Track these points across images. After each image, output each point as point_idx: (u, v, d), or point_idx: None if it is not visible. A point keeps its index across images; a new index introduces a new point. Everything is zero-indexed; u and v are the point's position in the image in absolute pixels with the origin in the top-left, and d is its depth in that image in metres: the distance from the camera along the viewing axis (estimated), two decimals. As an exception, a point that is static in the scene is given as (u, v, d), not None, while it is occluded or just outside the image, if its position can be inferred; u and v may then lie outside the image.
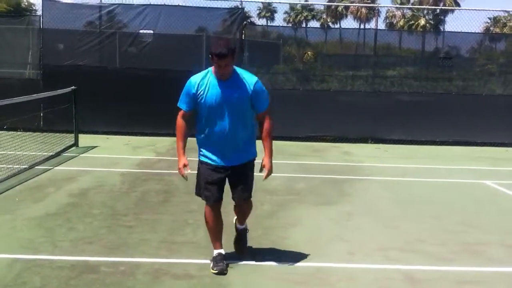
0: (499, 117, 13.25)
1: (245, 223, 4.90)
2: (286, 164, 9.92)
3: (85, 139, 11.16)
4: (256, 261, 4.67)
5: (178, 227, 5.69)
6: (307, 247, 5.25)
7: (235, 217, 4.86)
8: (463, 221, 6.46)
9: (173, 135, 13.14)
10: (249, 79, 4.44)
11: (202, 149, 4.75)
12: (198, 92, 4.40)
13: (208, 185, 4.66)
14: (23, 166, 8.33)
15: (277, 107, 13.07)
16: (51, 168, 8.61)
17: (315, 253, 5.09)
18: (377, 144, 12.97)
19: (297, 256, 4.91)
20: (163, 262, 4.70)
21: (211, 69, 4.43)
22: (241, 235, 4.89)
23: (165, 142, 12.06)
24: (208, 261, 4.63)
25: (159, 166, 9.35)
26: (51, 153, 9.56)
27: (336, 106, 13.19)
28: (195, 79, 4.45)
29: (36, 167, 8.54)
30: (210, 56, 4.30)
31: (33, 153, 9.14)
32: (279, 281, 4.33)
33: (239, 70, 4.49)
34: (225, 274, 4.37)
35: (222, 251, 4.60)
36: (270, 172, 4.64)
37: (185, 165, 4.65)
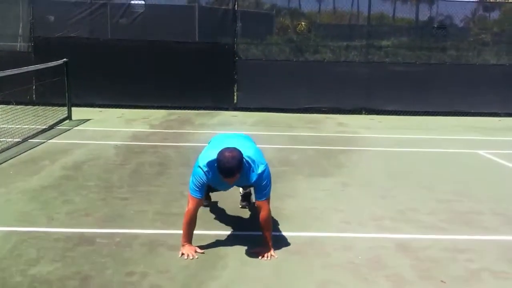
0: (493, 87, 13.29)
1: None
2: (281, 135, 9.94)
3: (78, 112, 11.09)
4: (252, 231, 4.70)
5: (174, 199, 5.71)
6: (303, 218, 5.30)
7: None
8: (455, 190, 6.51)
9: (166, 107, 13.22)
10: (255, 171, 4.25)
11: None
12: (206, 184, 4.30)
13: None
14: (16, 140, 8.29)
15: (271, 79, 13.14)
16: (45, 141, 8.58)
17: (310, 223, 5.15)
18: (371, 115, 12.97)
19: (293, 226, 4.95)
20: (159, 233, 4.74)
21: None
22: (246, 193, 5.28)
23: (158, 114, 12.04)
24: (204, 232, 4.67)
25: (153, 138, 9.33)
26: (44, 126, 9.52)
27: (330, 77, 13.16)
28: (202, 175, 4.22)
29: (29, 140, 8.51)
30: (218, 170, 4.10)
31: (26, 126, 9.09)
32: (276, 251, 4.36)
33: (249, 158, 4.23)
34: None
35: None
36: (266, 250, 4.32)
37: (196, 251, 4.32)
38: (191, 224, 4.33)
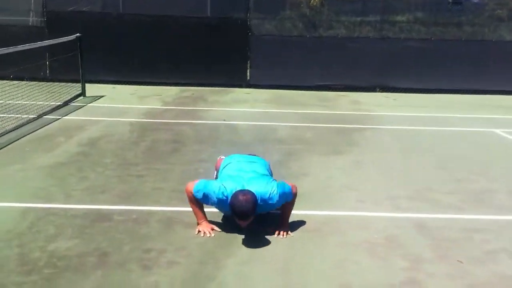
0: (509, 64, 13.08)
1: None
2: (294, 113, 9.89)
3: (91, 89, 11.11)
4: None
5: (189, 176, 5.68)
6: (318, 196, 5.30)
7: None
8: (472, 169, 6.47)
9: (179, 84, 13.19)
10: (273, 199, 4.19)
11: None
12: (215, 204, 4.29)
13: None
14: (32, 116, 8.33)
15: (284, 55, 13.04)
16: (60, 118, 8.61)
17: (325, 202, 5.15)
18: (385, 93, 12.87)
19: (308, 205, 4.94)
20: (175, 210, 4.76)
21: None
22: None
23: (171, 91, 12.03)
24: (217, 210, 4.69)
25: (167, 115, 9.33)
26: (58, 103, 9.55)
27: (343, 54, 13.06)
28: (217, 198, 4.17)
29: (44, 116, 8.55)
30: (231, 212, 4.05)
31: (41, 102, 9.13)
32: (292, 228, 4.37)
33: (259, 195, 4.12)
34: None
35: None
36: (282, 229, 4.35)
37: (212, 229, 4.33)
38: (197, 203, 4.32)
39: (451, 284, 3.59)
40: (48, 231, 4.22)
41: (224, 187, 4.18)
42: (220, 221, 4.48)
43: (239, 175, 4.33)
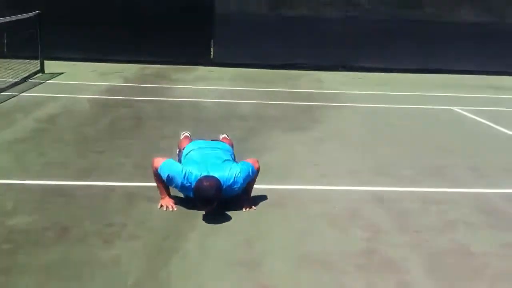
0: (469, 44, 13.35)
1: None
2: (258, 91, 9.89)
3: (51, 66, 10.85)
4: (229, 183, 4.71)
5: (151, 152, 5.59)
6: (280, 171, 5.33)
7: None
8: (431, 145, 6.61)
9: (141, 62, 12.96)
10: (237, 183, 4.22)
11: None
12: (177, 186, 4.24)
13: None
14: (-13, 92, 8.11)
15: (249, 34, 12.97)
16: (17, 95, 8.40)
17: (288, 176, 5.18)
18: (349, 72, 12.97)
19: (270, 179, 4.96)
20: (137, 185, 4.72)
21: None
22: None
23: (132, 69, 11.86)
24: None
25: (128, 92, 9.20)
26: (16, 79, 9.31)
27: (308, 33, 13.06)
28: (180, 180, 4.15)
29: (1, 93, 8.31)
30: (195, 197, 4.06)
31: (-3, 79, 8.89)
32: (254, 202, 4.39)
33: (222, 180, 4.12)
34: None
35: None
36: (245, 202, 4.36)
37: (175, 203, 4.29)
38: (161, 179, 4.28)
39: (411, 253, 3.67)
40: (7, 207, 4.13)
41: (190, 172, 4.17)
42: (183, 197, 4.46)
43: (203, 161, 4.34)
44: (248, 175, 4.31)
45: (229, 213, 4.20)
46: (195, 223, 4.00)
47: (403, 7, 14.14)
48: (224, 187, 4.11)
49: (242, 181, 4.25)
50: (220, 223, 4.04)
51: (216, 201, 4.04)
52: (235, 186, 4.23)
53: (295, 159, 5.80)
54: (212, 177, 4.07)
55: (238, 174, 4.23)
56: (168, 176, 4.19)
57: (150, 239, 3.71)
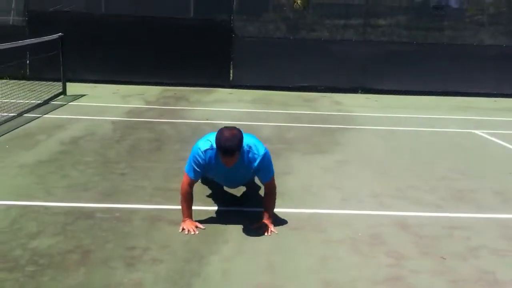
0: (489, 67, 13.31)
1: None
2: (277, 113, 9.91)
3: (73, 88, 11.02)
4: (252, 207, 4.71)
5: (172, 174, 5.69)
6: (300, 194, 5.31)
7: None
8: (453, 169, 6.54)
9: (162, 83, 13.20)
10: (255, 157, 4.23)
11: None
12: (204, 167, 4.25)
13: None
14: (12, 114, 8.22)
15: (268, 57, 13.07)
16: (40, 116, 8.52)
17: (308, 200, 5.16)
18: (367, 94, 12.97)
19: (291, 203, 4.96)
20: (158, 208, 4.73)
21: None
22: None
23: (154, 91, 11.98)
24: (204, 208, 4.68)
25: (149, 114, 9.28)
26: (39, 101, 9.45)
27: (326, 56, 13.12)
28: (202, 155, 4.19)
29: (24, 115, 8.45)
30: (217, 148, 4.06)
31: (21, 101, 9.02)
32: (275, 227, 4.37)
33: (248, 143, 4.21)
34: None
35: None
36: (266, 225, 4.31)
37: (196, 227, 4.28)
38: (187, 201, 4.31)
39: (435, 280, 3.62)
40: (30, 229, 4.16)
41: (198, 146, 4.24)
42: (205, 218, 4.46)
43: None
44: (268, 166, 4.32)
45: (250, 237, 4.19)
46: (217, 247, 3.99)
47: (421, 30, 14.17)
48: (246, 147, 4.13)
49: (260, 160, 4.21)
50: (242, 247, 4.03)
51: (237, 152, 4.00)
52: (253, 160, 4.20)
53: (316, 182, 5.77)
54: (234, 127, 4.11)
55: (261, 152, 4.24)
56: (190, 161, 4.24)
57: (172, 263, 3.71)
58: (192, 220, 4.33)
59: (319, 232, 4.38)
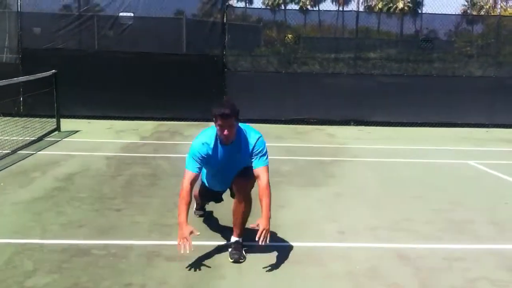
0: (479, 98, 13.48)
1: (241, 235, 4.52)
2: (270, 146, 9.81)
3: (66, 124, 11.03)
4: (248, 241, 4.67)
5: (168, 210, 5.67)
6: (297, 228, 5.30)
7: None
8: (449, 200, 6.55)
9: (156, 118, 13.22)
10: (251, 139, 4.39)
11: (204, 177, 4.81)
12: (204, 157, 4.34)
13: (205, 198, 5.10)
14: (6, 151, 8.20)
15: (260, 90, 13.17)
16: (35, 153, 8.50)
17: (306, 233, 5.15)
18: (360, 126, 13.06)
19: (289, 236, 4.94)
20: (155, 244, 4.70)
21: (216, 131, 4.30)
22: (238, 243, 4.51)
23: (148, 125, 12.01)
24: (200, 243, 4.64)
25: (144, 149, 9.29)
26: (33, 138, 9.44)
27: (318, 89, 13.25)
28: (200, 145, 4.32)
29: (18, 152, 8.43)
30: (213, 118, 4.21)
31: (15, 138, 9.02)
32: (273, 260, 4.35)
33: (243, 127, 4.43)
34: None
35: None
36: (266, 230, 4.17)
37: (191, 232, 4.11)
38: (187, 203, 4.25)
39: (435, 313, 3.59)
40: (26, 267, 4.11)
41: (196, 139, 4.38)
42: (202, 254, 4.42)
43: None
44: (263, 149, 4.43)
45: (247, 272, 4.16)
46: (214, 283, 3.95)
47: (411, 62, 14.39)
48: (244, 129, 4.36)
49: (255, 142, 4.36)
50: (240, 283, 3.99)
51: (232, 116, 4.15)
52: (249, 140, 4.36)
53: (312, 215, 5.76)
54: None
55: (256, 136, 4.42)
56: (189, 155, 4.33)
57: (171, 300, 3.67)
58: (187, 225, 4.15)
59: (317, 266, 4.36)
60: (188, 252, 4.06)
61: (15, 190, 6.34)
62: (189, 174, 4.33)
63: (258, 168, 4.40)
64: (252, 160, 4.41)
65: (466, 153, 9.80)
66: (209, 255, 4.46)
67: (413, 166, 8.63)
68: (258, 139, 4.40)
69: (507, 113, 13.57)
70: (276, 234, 4.99)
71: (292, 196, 6.50)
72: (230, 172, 4.55)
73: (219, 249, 4.61)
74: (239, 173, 4.52)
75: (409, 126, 13.11)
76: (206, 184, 4.82)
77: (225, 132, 4.18)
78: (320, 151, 9.82)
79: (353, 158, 9.08)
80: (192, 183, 4.34)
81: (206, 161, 4.36)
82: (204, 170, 4.64)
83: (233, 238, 4.50)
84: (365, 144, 10.61)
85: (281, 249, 4.60)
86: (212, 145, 4.32)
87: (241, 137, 4.35)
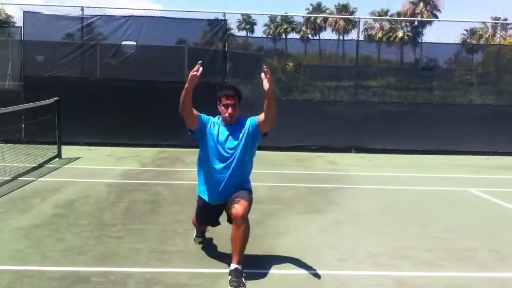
0: (479, 126, 13.52)
1: (240, 262, 4.46)
2: (271, 173, 9.94)
3: (67, 150, 11.07)
4: (248, 269, 4.65)
5: (168, 237, 5.66)
6: (298, 255, 5.25)
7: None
8: (449, 227, 6.53)
9: (157, 145, 13.23)
10: (251, 117, 4.78)
11: (200, 185, 4.93)
12: (208, 125, 4.67)
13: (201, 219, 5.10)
14: (6, 178, 8.22)
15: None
16: (35, 180, 8.51)
17: (306, 261, 5.10)
18: (360, 154, 13.08)
19: (289, 264, 4.91)
20: (154, 271, 4.67)
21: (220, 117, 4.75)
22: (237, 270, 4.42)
23: (148, 152, 12.04)
24: (199, 270, 4.63)
25: (144, 176, 9.30)
26: (34, 165, 9.47)
27: (319, 116, 13.32)
28: (209, 117, 4.81)
29: (19, 178, 8.45)
30: (218, 101, 4.69)
31: (16, 164, 9.04)
32: (272, 288, 4.33)
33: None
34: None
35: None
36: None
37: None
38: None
39: None
40: (24, 294, 4.09)
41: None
42: (200, 281, 4.40)
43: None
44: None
45: (248, 299, 4.13)
46: (215, 311, 3.92)
47: (412, 90, 14.50)
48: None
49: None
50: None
51: (236, 96, 4.65)
52: (248, 119, 4.72)
53: (313, 242, 5.73)
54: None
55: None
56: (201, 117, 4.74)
57: (169, 328, 3.64)
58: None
59: (318, 293, 4.33)
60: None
61: (15, 216, 6.33)
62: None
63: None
64: (256, 117, 4.74)
65: (466, 181, 9.79)
66: (209, 282, 4.44)
67: (414, 194, 8.62)
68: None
69: (507, 141, 13.61)
70: (276, 261, 4.98)
71: (292, 223, 6.48)
72: (228, 157, 4.69)
73: (218, 277, 4.58)
74: (234, 200, 4.54)
75: (410, 154, 13.14)
76: (202, 181, 4.86)
77: (229, 110, 4.58)
78: (321, 178, 9.82)
79: (353, 185, 9.08)
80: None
81: (207, 130, 4.68)
82: (198, 162, 4.87)
83: (233, 265, 4.47)
84: (366, 171, 10.61)
85: (281, 277, 4.58)
86: (216, 122, 4.72)
87: (244, 120, 4.76)
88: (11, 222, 6.07)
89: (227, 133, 4.69)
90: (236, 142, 4.68)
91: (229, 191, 4.66)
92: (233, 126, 4.72)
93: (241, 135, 4.67)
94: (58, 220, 6.25)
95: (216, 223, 5.03)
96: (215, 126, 4.72)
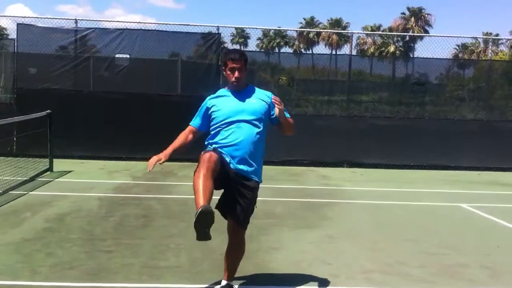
0: (471, 141, 13.60)
1: (232, 279, 4.46)
2: (264, 188, 9.83)
3: (59, 164, 11.01)
4: (240, 285, 4.63)
5: (160, 252, 5.62)
6: (291, 270, 5.24)
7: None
8: (441, 243, 6.53)
9: (149, 159, 13.09)
10: (266, 92, 4.52)
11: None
12: (212, 106, 4.41)
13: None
14: (-3, 191, 8.17)
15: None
16: (26, 193, 8.46)
17: (299, 276, 5.09)
18: (352, 168, 13.11)
19: (282, 280, 4.89)
20: (145, 287, 4.63)
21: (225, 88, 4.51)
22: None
23: (140, 166, 11.99)
24: (191, 286, 4.59)
25: (136, 190, 9.26)
26: (25, 178, 9.41)
27: (311, 130, 13.33)
28: (207, 100, 4.52)
29: (10, 192, 8.39)
30: (223, 66, 4.40)
31: (7, 178, 8.98)
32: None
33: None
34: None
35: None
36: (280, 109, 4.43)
37: (159, 160, 4.40)
38: (180, 137, 4.70)
39: None
40: (13, 310, 4.04)
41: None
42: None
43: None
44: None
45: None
46: (206, 327, 3.89)
47: (403, 105, 14.58)
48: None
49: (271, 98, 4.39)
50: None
51: (243, 58, 4.29)
52: (264, 94, 4.45)
53: (305, 258, 5.71)
54: None
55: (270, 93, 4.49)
56: (197, 114, 4.61)
57: None
58: (165, 153, 4.56)
59: (310, 310, 4.30)
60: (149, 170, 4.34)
61: (5, 230, 6.27)
62: (188, 127, 4.64)
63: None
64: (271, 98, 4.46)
65: (458, 196, 9.83)
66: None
67: (406, 209, 8.64)
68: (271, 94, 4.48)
69: (498, 156, 13.69)
70: (269, 277, 4.95)
71: (285, 238, 6.46)
72: (242, 123, 4.36)
73: (212, 293, 4.56)
74: (236, 215, 4.39)
75: (402, 168, 13.19)
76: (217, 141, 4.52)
77: (236, 74, 4.28)
78: (313, 193, 9.82)
79: (346, 200, 9.08)
80: (188, 133, 4.63)
81: (214, 112, 4.40)
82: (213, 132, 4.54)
83: (224, 282, 4.44)
84: (358, 186, 10.63)
85: (274, 293, 4.55)
86: (222, 94, 4.43)
87: (253, 88, 4.48)
88: (1, 236, 6.01)
89: (237, 100, 4.37)
90: (247, 104, 4.37)
91: (245, 164, 4.49)
92: (241, 92, 4.40)
93: (253, 98, 4.39)
94: (49, 234, 6.20)
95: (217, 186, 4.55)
96: (222, 98, 4.41)
